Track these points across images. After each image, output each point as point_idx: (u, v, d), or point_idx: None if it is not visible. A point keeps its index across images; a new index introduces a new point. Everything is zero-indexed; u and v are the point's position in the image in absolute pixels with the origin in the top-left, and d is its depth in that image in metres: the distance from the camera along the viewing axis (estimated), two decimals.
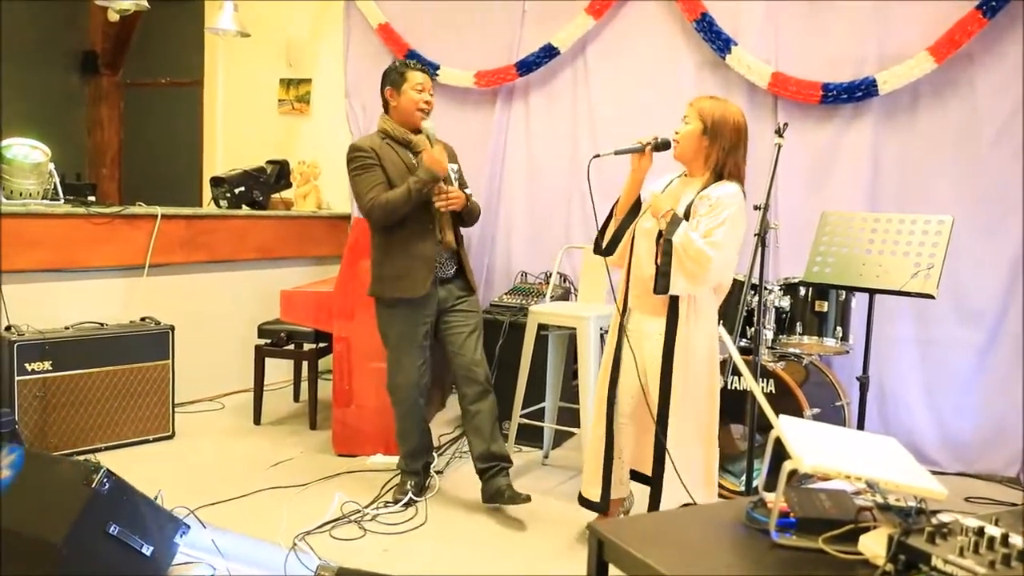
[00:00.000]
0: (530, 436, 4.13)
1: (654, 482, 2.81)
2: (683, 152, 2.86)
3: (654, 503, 2.81)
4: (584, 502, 3.07)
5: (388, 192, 3.22)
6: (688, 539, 1.38)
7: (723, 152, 2.79)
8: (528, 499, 3.23)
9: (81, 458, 3.13)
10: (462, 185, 3.46)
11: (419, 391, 3.41)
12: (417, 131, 3.38)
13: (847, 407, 3.78)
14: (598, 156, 2.86)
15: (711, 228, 2.67)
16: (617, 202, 2.96)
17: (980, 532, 1.15)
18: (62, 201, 4.26)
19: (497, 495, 3.27)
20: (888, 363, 4.07)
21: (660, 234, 2.73)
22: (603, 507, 3.01)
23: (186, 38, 6.89)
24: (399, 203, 3.19)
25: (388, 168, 3.28)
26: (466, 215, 3.42)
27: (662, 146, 2.87)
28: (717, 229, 2.66)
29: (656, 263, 2.72)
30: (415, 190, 3.18)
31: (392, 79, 3.36)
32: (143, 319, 4.28)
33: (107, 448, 3.95)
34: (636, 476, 3.06)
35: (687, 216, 2.74)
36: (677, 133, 2.87)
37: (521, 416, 3.78)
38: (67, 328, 3.97)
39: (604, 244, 2.97)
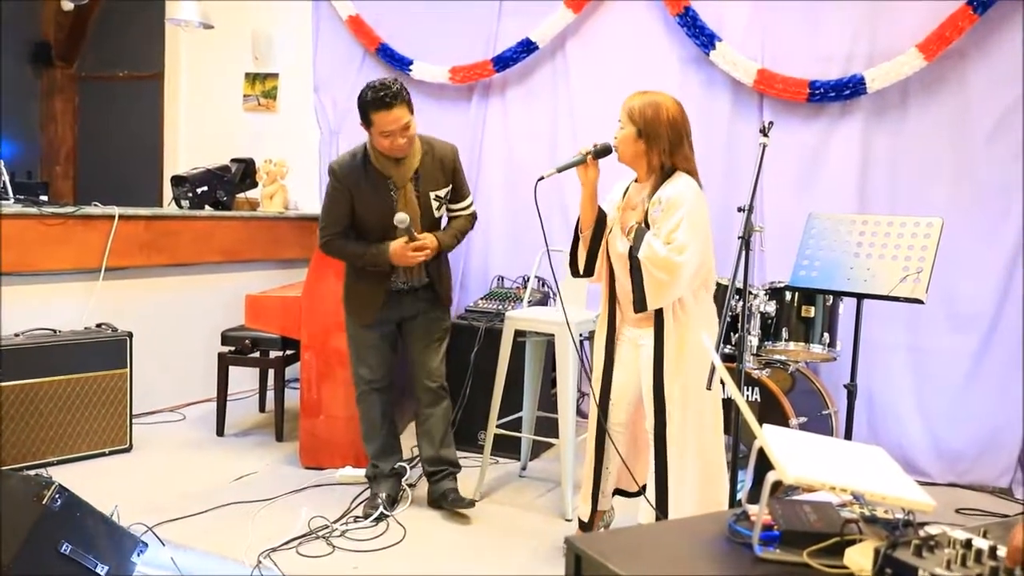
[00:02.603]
0: (507, 447, 4.04)
1: (659, 500, 2.73)
2: (623, 157, 2.77)
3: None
4: (580, 523, 3.05)
5: (347, 242, 3.31)
6: (669, 554, 1.35)
7: (665, 154, 2.69)
8: (472, 504, 3.41)
9: (32, 473, 3.14)
10: (459, 198, 3.41)
11: (380, 381, 3.43)
12: (400, 159, 3.23)
13: (835, 416, 3.74)
14: (542, 179, 2.78)
15: (670, 232, 2.59)
16: (579, 221, 2.86)
17: (968, 544, 1.17)
18: (12, 200, 4.18)
19: (442, 498, 3.42)
20: (877, 370, 4.02)
21: (631, 251, 2.67)
22: (589, 527, 2.99)
23: (146, 29, 6.81)
24: (350, 258, 3.35)
25: (358, 203, 3.27)
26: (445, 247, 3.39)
27: (603, 152, 2.77)
28: (676, 232, 2.58)
29: (631, 282, 2.66)
30: (367, 264, 3.28)
31: (361, 115, 3.17)
32: (99, 325, 4.18)
33: (60, 462, 3.87)
34: (619, 492, 3.05)
35: (648, 223, 2.67)
36: (615, 138, 2.77)
37: (497, 426, 3.69)
38: (17, 335, 3.88)
39: (581, 268, 2.89)
